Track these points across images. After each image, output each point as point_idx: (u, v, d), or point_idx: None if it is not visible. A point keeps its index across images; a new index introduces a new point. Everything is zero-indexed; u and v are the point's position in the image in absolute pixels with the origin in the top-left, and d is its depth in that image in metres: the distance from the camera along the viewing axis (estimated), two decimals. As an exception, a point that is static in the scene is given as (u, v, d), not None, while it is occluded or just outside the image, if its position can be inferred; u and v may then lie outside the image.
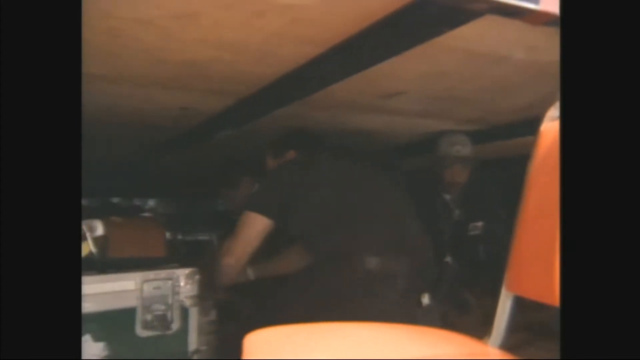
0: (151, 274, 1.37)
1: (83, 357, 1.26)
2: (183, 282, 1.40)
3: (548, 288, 0.70)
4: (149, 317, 1.35)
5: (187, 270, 1.41)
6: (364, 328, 0.91)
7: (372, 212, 1.67)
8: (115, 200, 2.47)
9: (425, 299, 1.77)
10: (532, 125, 2.12)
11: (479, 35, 1.09)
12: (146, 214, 1.54)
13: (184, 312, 1.40)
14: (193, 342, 1.40)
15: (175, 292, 1.39)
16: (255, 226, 1.67)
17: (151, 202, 2.58)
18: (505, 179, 2.94)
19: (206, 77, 1.43)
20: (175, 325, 1.38)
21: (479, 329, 0.92)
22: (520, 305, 0.87)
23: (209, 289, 1.45)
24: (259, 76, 1.42)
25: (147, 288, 1.36)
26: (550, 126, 0.89)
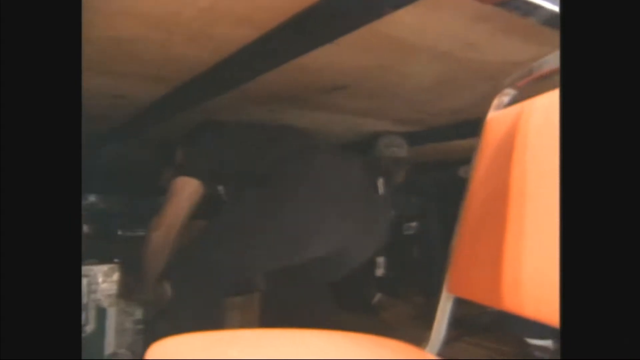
0: (64, 271, 1.24)
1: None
2: (101, 279, 1.29)
3: (492, 290, 0.67)
4: (59, 317, 1.22)
5: (106, 267, 1.29)
6: (291, 335, 0.82)
7: None
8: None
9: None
10: (469, 128, 2.15)
11: (420, 25, 1.06)
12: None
13: (101, 312, 1.29)
14: (110, 345, 1.28)
15: (92, 291, 1.27)
16: (183, 191, 1.52)
17: (92, 198, 2.41)
18: (442, 181, 3.01)
19: (137, 59, 1.33)
20: (90, 328, 1.27)
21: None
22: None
23: (139, 284, 1.33)
24: (192, 61, 1.33)
25: (59, 285, 1.23)
26: (497, 115, 0.85)
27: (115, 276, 1.31)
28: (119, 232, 1.90)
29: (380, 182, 1.69)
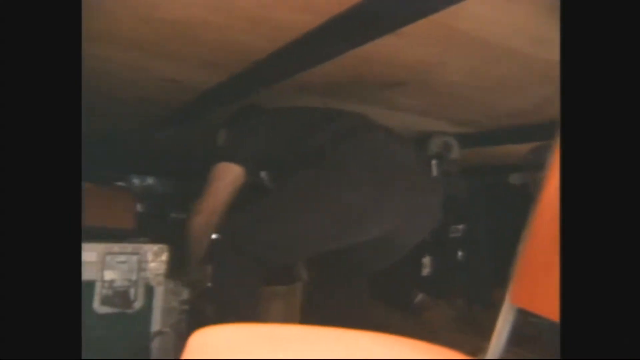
0: (116, 247, 1.27)
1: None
2: (150, 258, 1.31)
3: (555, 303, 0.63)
4: (109, 292, 1.26)
5: (156, 246, 1.32)
6: (336, 334, 0.78)
7: None
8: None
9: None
10: (525, 132, 2.07)
11: (489, 18, 1.02)
12: (120, 183, 1.42)
13: (149, 290, 1.31)
14: (156, 323, 1.31)
15: (141, 269, 1.30)
16: (225, 176, 1.48)
17: (149, 180, 2.46)
18: (491, 186, 2.94)
19: (197, 44, 1.34)
20: (138, 304, 1.29)
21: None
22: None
23: (182, 267, 1.35)
24: (250, 47, 1.33)
25: (110, 261, 1.26)
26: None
27: (164, 256, 1.33)
28: (172, 215, 1.92)
29: (434, 164, 1.63)
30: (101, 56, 1.46)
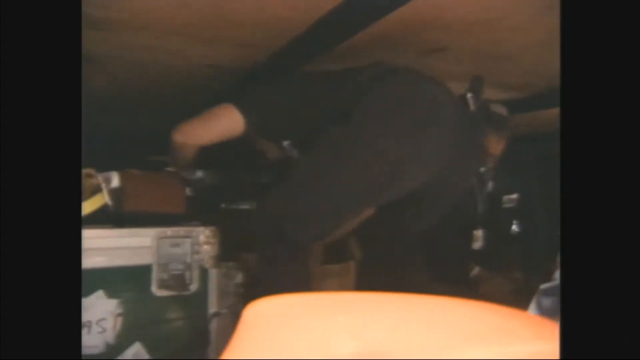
0: (169, 231, 1.28)
1: (97, 314, 1.20)
2: (203, 241, 1.31)
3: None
4: (165, 276, 1.27)
5: (207, 229, 1.32)
6: (396, 299, 0.72)
7: None
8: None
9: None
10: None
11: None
12: (168, 169, 1.43)
13: (204, 273, 1.32)
14: (213, 304, 1.32)
15: (195, 252, 1.30)
16: (221, 117, 1.41)
17: (199, 173, 2.51)
18: (545, 154, 2.82)
19: (233, 23, 1.32)
20: (194, 287, 1.30)
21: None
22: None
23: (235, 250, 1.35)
24: (287, 22, 1.30)
25: (164, 245, 1.28)
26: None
27: (216, 239, 1.33)
28: (222, 206, 1.93)
29: (470, 97, 1.53)
30: (146, 45, 1.46)
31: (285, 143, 1.56)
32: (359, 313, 0.67)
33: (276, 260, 1.31)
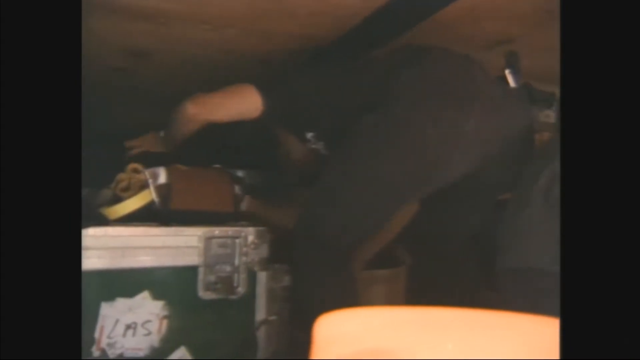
0: (216, 231, 1.22)
1: (142, 316, 1.15)
2: (252, 242, 1.25)
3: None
4: (212, 278, 1.21)
5: (256, 230, 1.25)
6: (472, 316, 0.67)
7: None
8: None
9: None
10: None
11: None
12: (216, 165, 1.37)
13: (252, 276, 1.25)
14: (261, 310, 1.25)
15: (243, 253, 1.24)
16: (242, 96, 1.30)
17: (239, 173, 2.49)
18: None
19: (288, 14, 1.25)
20: (241, 290, 1.24)
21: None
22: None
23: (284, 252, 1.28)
24: (346, 13, 1.23)
25: (212, 246, 1.22)
26: None
27: (266, 240, 1.27)
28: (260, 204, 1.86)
29: (509, 73, 1.40)
30: (197, 38, 1.42)
31: (309, 135, 1.47)
32: (461, 334, 0.63)
33: (316, 268, 1.23)
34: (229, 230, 1.23)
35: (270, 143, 1.66)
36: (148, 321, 1.16)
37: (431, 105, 1.16)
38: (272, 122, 1.43)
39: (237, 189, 1.28)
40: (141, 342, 1.15)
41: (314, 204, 1.26)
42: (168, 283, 1.18)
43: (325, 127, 1.41)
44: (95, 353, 1.10)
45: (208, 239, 1.21)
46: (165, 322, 1.17)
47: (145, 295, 1.15)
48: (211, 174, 1.31)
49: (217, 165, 1.35)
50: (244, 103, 1.30)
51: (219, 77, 1.80)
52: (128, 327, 1.14)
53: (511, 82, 1.38)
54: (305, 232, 1.22)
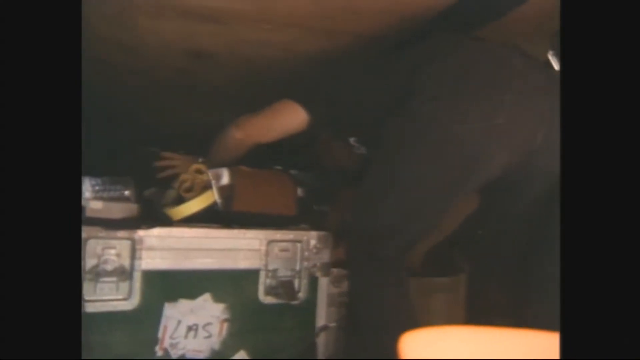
0: (278, 234, 1.20)
1: (204, 318, 1.14)
2: (314, 246, 1.22)
3: None
4: (273, 282, 1.19)
5: (319, 234, 1.23)
6: None
7: None
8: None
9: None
10: None
11: None
12: (277, 167, 1.36)
13: (313, 281, 1.23)
14: (321, 316, 1.22)
15: (305, 258, 1.21)
16: (286, 114, 1.30)
17: (293, 172, 2.50)
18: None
19: (354, 12, 1.22)
20: (302, 295, 1.21)
21: None
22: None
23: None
24: (418, 9, 1.18)
25: (273, 249, 1.20)
26: None
27: (327, 245, 1.24)
28: (314, 208, 1.84)
29: (552, 55, 1.30)
30: (260, 39, 1.41)
31: (352, 140, 1.45)
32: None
33: (368, 276, 1.18)
34: (291, 233, 1.21)
35: (315, 148, 1.66)
36: (209, 323, 1.15)
37: (457, 101, 1.11)
38: (317, 130, 1.42)
39: (299, 191, 1.26)
40: (202, 344, 1.15)
41: (358, 209, 1.22)
42: (229, 286, 1.17)
43: (365, 130, 1.39)
44: (159, 353, 1.11)
45: (270, 243, 1.19)
46: (225, 325, 1.16)
47: (206, 298, 1.15)
48: (274, 176, 1.29)
49: (279, 167, 1.33)
50: (289, 121, 1.31)
51: (277, 76, 1.80)
52: (190, 328, 1.13)
53: (555, 65, 1.30)
54: (352, 238, 1.19)
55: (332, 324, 1.22)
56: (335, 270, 1.25)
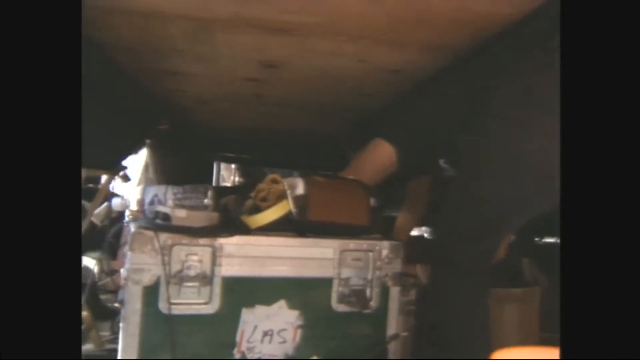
0: (351, 244, 1.22)
1: (279, 324, 1.18)
2: (386, 256, 1.23)
3: None
4: (345, 290, 1.22)
5: (392, 243, 1.24)
6: None
7: None
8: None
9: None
10: None
11: None
12: (350, 177, 1.38)
13: (385, 290, 1.24)
14: (392, 325, 1.23)
15: (377, 267, 1.23)
16: (373, 152, 1.40)
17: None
18: None
19: (425, 24, 1.22)
20: (374, 304, 1.23)
21: None
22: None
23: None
24: (491, 20, 1.17)
25: (346, 258, 1.22)
26: None
27: (399, 254, 1.25)
28: (384, 214, 1.85)
29: None
30: (329, 50, 1.43)
31: (442, 161, 1.49)
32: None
33: (445, 284, 1.22)
34: (364, 243, 1.23)
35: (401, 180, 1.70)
36: (283, 329, 1.18)
37: (523, 117, 1.12)
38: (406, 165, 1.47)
39: (372, 201, 1.27)
40: (276, 349, 1.19)
41: (439, 222, 1.29)
42: (303, 293, 1.20)
43: (450, 152, 1.43)
44: (236, 355, 1.15)
45: (343, 252, 1.21)
46: (299, 332, 1.19)
47: (281, 304, 1.18)
48: (348, 186, 1.31)
49: (353, 177, 1.35)
50: (380, 162, 1.41)
51: (346, 87, 1.82)
52: (265, 333, 1.17)
53: None
54: (433, 250, 1.25)
55: (404, 333, 1.22)
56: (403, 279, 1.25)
